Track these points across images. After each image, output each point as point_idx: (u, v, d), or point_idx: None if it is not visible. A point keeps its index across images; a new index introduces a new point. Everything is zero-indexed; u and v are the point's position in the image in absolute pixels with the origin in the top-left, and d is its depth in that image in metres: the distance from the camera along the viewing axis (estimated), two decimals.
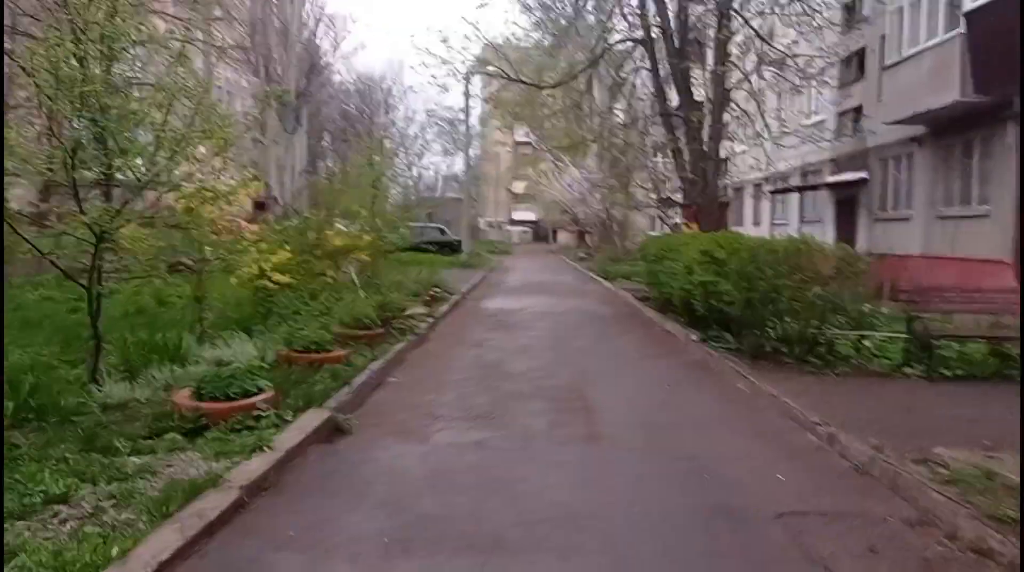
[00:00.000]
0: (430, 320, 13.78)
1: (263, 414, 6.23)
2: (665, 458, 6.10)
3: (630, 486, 5.38)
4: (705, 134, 21.47)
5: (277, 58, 36.36)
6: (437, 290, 18.75)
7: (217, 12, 33.21)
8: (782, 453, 6.33)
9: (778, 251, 9.85)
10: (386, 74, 67.79)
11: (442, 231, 43.66)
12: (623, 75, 23.36)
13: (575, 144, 26.76)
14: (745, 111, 21.56)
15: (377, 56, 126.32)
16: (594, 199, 48.53)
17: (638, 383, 9.43)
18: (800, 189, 27.06)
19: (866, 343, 10.72)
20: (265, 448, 5.56)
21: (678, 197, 45.01)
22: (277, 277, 9.05)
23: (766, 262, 9.86)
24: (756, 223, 35.87)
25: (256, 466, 5.21)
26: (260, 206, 48.04)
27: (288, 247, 9.49)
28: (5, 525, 4.21)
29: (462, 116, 33.85)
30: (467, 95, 31.18)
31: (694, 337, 12.03)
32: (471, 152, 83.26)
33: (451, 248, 39.51)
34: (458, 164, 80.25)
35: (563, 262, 45.00)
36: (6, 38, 12.80)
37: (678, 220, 48.63)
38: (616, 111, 25.05)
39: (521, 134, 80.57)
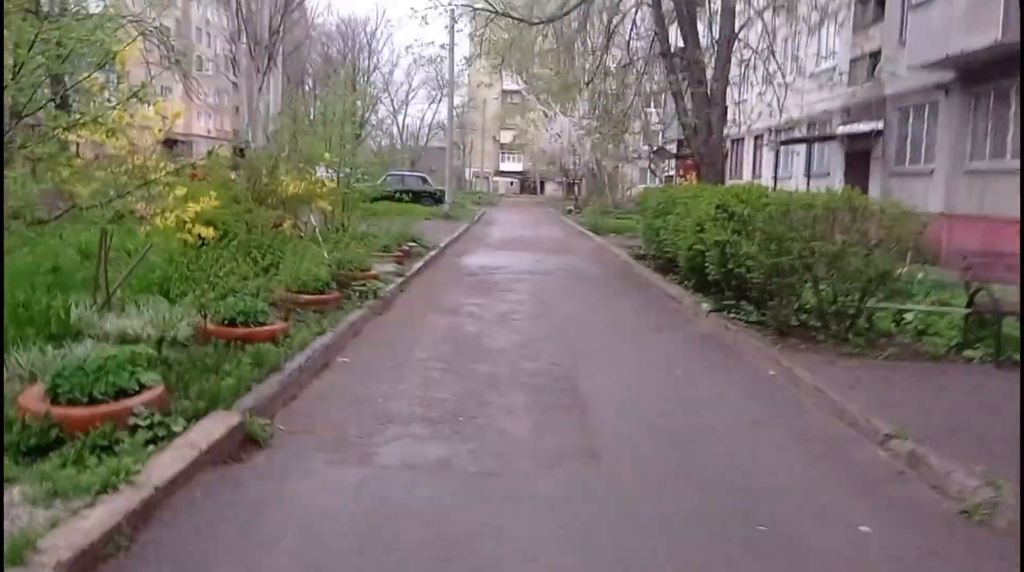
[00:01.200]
0: (399, 280, 12.02)
1: (141, 424, 4.51)
2: (694, 491, 4.42)
3: (652, 549, 3.69)
4: (709, 76, 19.57)
5: None
6: (412, 244, 16.96)
7: None
8: (851, 481, 4.67)
9: (816, 206, 8.13)
10: (369, 17, 64.60)
11: (424, 180, 41.63)
12: (621, 9, 21.28)
13: (567, 87, 24.70)
14: (755, 51, 19.63)
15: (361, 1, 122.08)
16: (584, 149, 46.56)
17: (641, 365, 7.76)
18: (812, 140, 25.18)
19: (907, 317, 9.10)
20: (125, 483, 3.84)
21: (671, 148, 43.37)
22: (199, 230, 7.26)
23: (800, 220, 8.14)
24: (756, 176, 34.08)
25: (97, 519, 3.48)
26: (241, 153, 45.76)
27: (215, 194, 7.66)
28: None
29: (446, 55, 31.38)
30: (451, 31, 28.85)
31: (705, 305, 10.34)
32: (457, 100, 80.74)
33: (433, 198, 37.56)
34: (443, 112, 77.89)
35: (551, 215, 43.19)
36: None
37: (671, 173, 46.98)
38: (612, 52, 22.99)
39: (509, 82, 78.15)
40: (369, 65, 64.85)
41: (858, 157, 23.08)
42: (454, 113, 79.61)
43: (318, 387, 6.31)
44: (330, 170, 14.21)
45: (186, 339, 6.68)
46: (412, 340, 8.33)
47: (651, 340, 8.98)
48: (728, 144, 38.03)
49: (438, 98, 71.98)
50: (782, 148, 30.15)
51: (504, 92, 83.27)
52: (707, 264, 10.30)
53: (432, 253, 16.87)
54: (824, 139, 25.20)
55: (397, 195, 32.12)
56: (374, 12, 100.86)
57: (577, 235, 27.13)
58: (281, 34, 33.97)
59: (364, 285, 10.35)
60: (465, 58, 26.11)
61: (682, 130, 20.62)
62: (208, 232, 7.24)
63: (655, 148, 44.25)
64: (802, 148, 28.61)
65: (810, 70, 25.97)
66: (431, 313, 10.01)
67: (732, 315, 9.61)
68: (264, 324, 7.12)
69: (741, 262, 9.07)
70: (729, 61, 19.89)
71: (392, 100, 73.50)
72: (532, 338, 8.65)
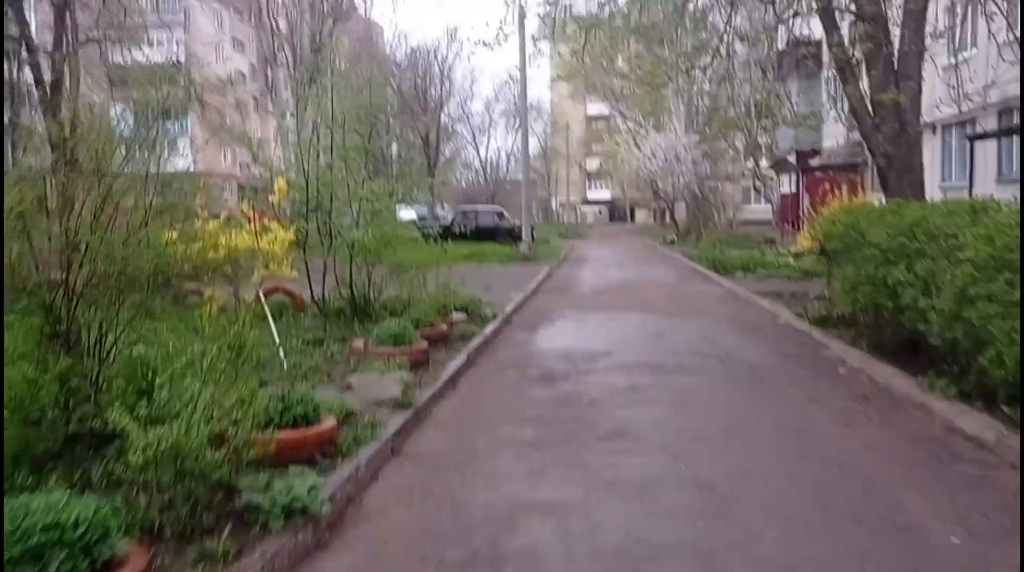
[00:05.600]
0: (396, 424, 5.91)
1: None
2: None
3: None
4: (895, 44, 13.06)
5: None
6: (459, 315, 10.97)
7: None
8: None
9: None
10: (440, 42, 59.55)
11: (500, 215, 35.72)
12: None
13: (664, 74, 17.94)
14: None
15: (433, 29, 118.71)
16: (684, 168, 39.85)
17: None
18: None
19: None
20: None
21: (792, 158, 36.28)
22: None
23: None
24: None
25: None
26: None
27: None
28: None
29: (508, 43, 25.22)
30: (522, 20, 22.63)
31: None
32: (538, 127, 75.14)
33: (511, 236, 31.62)
34: (530, 145, 71.19)
35: (649, 247, 36.58)
36: None
37: (786, 190, 39.77)
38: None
39: (593, 107, 72.21)
40: (442, 94, 59.80)
41: None
42: (536, 140, 74.33)
43: None
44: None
45: None
46: None
47: None
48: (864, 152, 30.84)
49: (516, 126, 66.25)
50: (956, 147, 23.02)
51: (589, 118, 77.67)
52: None
53: (488, 329, 10.76)
54: None
55: (459, 233, 26.70)
56: (445, 35, 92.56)
57: (694, 276, 20.55)
58: (329, 50, 28.71)
59: (286, 475, 4.28)
60: (533, 38, 19.69)
61: (855, 121, 13.96)
62: None
63: (773, 161, 37.20)
64: (984, 147, 21.41)
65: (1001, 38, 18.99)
66: None
67: None
68: None
69: None
70: (924, 15, 13.33)
71: (473, 135, 68.71)
72: None
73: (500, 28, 15.36)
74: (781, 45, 18.76)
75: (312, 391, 5.45)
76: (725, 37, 14.99)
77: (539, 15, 15.70)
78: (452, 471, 5.21)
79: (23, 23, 20.22)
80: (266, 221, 7.38)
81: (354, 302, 11.00)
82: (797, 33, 15.38)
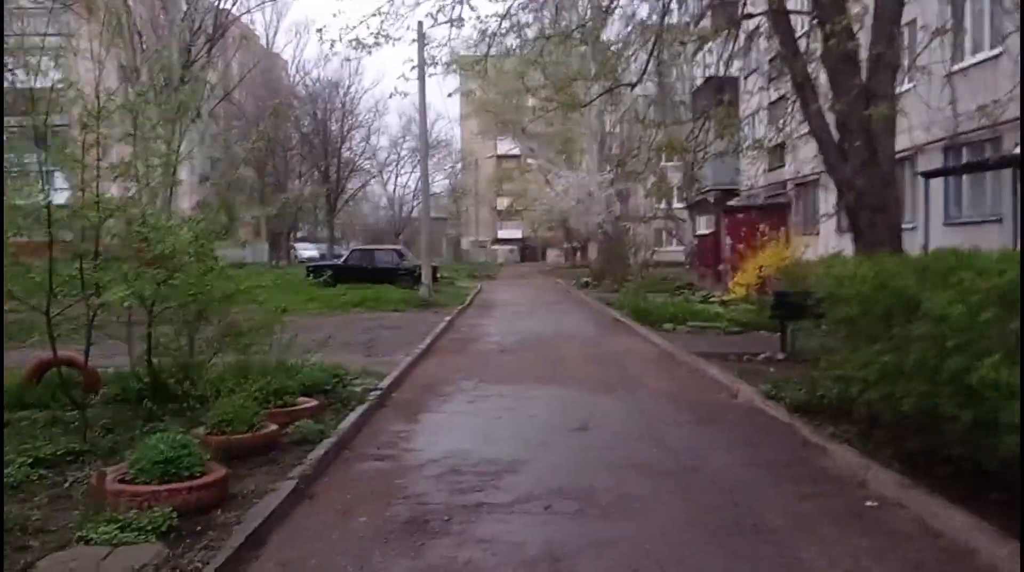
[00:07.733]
0: None
1: None
2: None
3: None
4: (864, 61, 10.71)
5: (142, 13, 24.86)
6: (320, 393, 7.82)
7: None
8: None
9: None
10: (342, 78, 55.65)
11: (400, 255, 32.45)
12: None
13: (576, 102, 15.14)
14: None
15: (336, 61, 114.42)
16: (597, 207, 37.37)
17: None
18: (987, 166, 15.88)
19: None
20: None
21: (711, 199, 34.39)
22: None
23: None
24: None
25: None
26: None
27: None
28: None
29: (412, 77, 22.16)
30: (420, 41, 19.88)
31: None
32: (448, 164, 72.56)
33: (412, 277, 28.38)
34: (439, 182, 68.34)
35: (563, 290, 33.87)
36: None
37: (706, 230, 37.92)
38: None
39: (503, 147, 69.89)
40: (343, 127, 56.23)
41: None
42: (445, 177, 71.46)
43: None
44: None
45: None
46: None
47: None
48: (791, 190, 29.22)
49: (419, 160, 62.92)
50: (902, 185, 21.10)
51: (499, 156, 75.46)
52: None
53: (347, 422, 7.54)
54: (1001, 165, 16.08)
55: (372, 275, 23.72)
56: (347, 68, 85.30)
57: (617, 328, 17.80)
58: (192, 71, 24.94)
59: None
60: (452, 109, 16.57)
61: (818, 146, 11.51)
62: None
63: (690, 202, 35.27)
64: (931, 184, 19.56)
65: (946, 68, 17.21)
66: None
67: None
68: None
69: None
70: (898, 21, 11.10)
71: (380, 171, 65.04)
72: None
73: (381, 29, 12.27)
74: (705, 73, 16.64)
75: None
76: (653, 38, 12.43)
77: (431, 15, 12.63)
78: None
79: None
80: None
81: (155, 382, 7.72)
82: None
